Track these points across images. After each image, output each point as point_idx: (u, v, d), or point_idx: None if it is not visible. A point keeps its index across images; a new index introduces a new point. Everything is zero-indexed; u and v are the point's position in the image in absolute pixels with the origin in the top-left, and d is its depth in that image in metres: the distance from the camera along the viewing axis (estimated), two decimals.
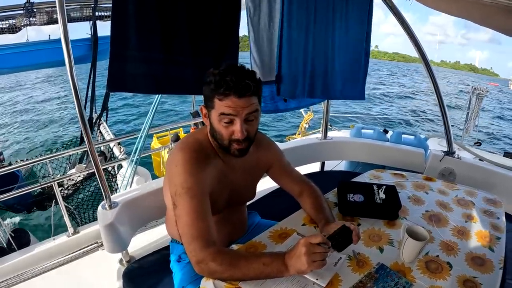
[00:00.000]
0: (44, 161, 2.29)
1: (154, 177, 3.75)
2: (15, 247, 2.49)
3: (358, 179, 1.85)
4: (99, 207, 1.72)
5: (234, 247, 1.25)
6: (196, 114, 4.64)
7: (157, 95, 2.27)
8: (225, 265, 1.02)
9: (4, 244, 2.72)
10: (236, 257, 1.05)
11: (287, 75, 2.03)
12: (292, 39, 1.96)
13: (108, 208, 1.70)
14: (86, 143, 1.55)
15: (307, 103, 2.74)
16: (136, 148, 2.28)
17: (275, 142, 1.56)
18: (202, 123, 4.64)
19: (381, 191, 1.54)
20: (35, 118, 15.48)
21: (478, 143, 4.24)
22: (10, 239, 2.57)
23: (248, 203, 1.57)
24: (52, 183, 2.13)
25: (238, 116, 1.13)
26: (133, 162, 2.28)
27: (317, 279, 1.05)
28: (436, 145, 3.43)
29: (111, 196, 1.74)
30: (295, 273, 1.02)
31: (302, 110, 6.56)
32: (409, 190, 1.72)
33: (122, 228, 1.70)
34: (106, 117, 4.18)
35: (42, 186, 2.23)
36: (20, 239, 2.72)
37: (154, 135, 5.21)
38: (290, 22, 1.92)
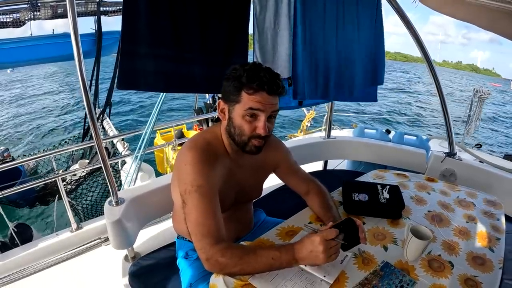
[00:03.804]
0: (47, 156, 2.28)
1: (157, 173, 3.76)
2: (18, 242, 2.50)
3: (361, 178, 1.88)
4: (106, 203, 1.71)
5: (243, 244, 1.27)
6: (199, 111, 4.64)
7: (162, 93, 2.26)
8: (235, 260, 1.04)
9: (7, 239, 2.73)
10: (245, 252, 1.07)
11: (301, 77, 2.03)
12: (306, 40, 1.96)
13: (115, 205, 1.69)
14: (94, 138, 1.54)
15: (310, 103, 2.76)
16: (141, 144, 2.29)
17: (282, 141, 1.58)
18: (206, 120, 4.68)
19: (385, 191, 1.57)
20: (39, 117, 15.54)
21: (479, 145, 4.27)
22: (13, 234, 2.57)
23: (253, 201, 1.59)
24: (56, 178, 2.13)
25: (264, 111, 1.15)
26: (137, 158, 2.28)
27: (324, 276, 1.08)
28: (437, 146, 3.45)
29: (118, 193, 1.73)
30: (307, 265, 1.07)
31: (304, 109, 6.56)
32: (411, 190, 1.74)
33: (129, 224, 1.70)
34: (109, 112, 4.18)
35: (45, 182, 2.24)
36: (23, 234, 2.74)
37: (158, 131, 5.18)
38: (304, 23, 1.92)
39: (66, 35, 3.46)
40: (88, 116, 1.47)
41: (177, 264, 1.49)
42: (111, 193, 1.67)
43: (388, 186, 1.61)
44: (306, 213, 1.49)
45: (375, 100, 2.52)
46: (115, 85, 1.65)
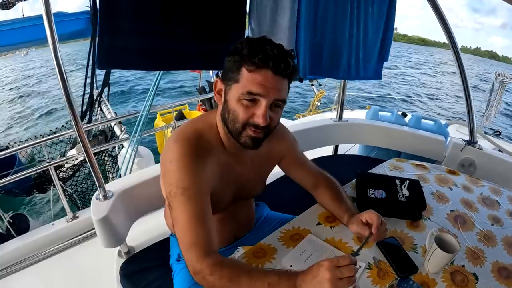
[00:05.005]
0: (39, 144, 2.18)
1: (157, 156, 3.64)
2: (14, 233, 2.43)
3: (377, 169, 1.72)
4: (93, 198, 1.54)
5: (240, 249, 1.12)
6: (202, 90, 4.45)
7: (159, 72, 2.12)
8: (224, 281, 0.89)
9: (3, 230, 2.67)
10: (237, 272, 0.91)
11: (303, 52, 1.86)
12: (310, 12, 1.79)
13: (102, 199, 1.52)
14: (74, 126, 1.33)
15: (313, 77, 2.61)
16: (137, 128, 2.17)
17: (289, 130, 1.38)
18: (209, 100, 4.49)
19: (404, 186, 1.43)
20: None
21: (498, 132, 4.05)
22: (8, 226, 2.52)
23: None
24: (49, 167, 2.04)
25: (266, 97, 0.94)
26: (134, 143, 2.16)
27: None
28: (455, 132, 3.26)
29: (106, 185, 1.57)
30: None
31: (314, 87, 6.38)
32: (432, 184, 1.60)
33: (118, 220, 1.54)
34: (108, 93, 4.02)
35: (38, 171, 2.16)
36: (19, 224, 2.70)
37: (158, 112, 5.05)
38: None
39: (59, 15, 3.29)
40: (65, 102, 1.25)
41: (170, 264, 1.38)
42: (97, 186, 1.50)
43: (407, 181, 1.46)
44: (313, 212, 1.34)
45: (380, 78, 2.37)
46: (95, 65, 1.47)
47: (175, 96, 15.30)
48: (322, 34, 1.93)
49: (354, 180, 1.56)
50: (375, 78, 2.37)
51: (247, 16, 1.81)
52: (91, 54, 3.72)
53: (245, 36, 1.67)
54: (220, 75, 1.10)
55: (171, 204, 0.99)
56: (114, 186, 1.58)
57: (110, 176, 3.50)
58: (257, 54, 0.91)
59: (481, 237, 1.25)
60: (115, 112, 3.69)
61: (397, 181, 1.47)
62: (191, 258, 0.93)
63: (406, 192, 1.39)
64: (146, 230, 1.81)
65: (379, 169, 1.72)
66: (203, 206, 0.98)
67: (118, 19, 1.36)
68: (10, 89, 18.80)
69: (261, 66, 0.92)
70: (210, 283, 0.91)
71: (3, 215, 2.52)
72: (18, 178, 2.06)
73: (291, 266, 1.04)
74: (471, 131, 2.36)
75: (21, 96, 16.75)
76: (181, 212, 0.96)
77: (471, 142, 2.36)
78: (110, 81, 3.95)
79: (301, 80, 2.10)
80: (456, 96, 18.15)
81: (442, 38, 2.21)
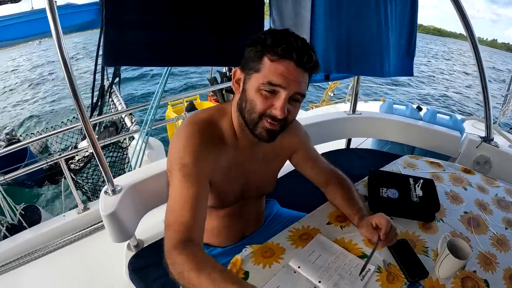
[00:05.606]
0: (49, 137, 2.20)
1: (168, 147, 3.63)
2: (25, 225, 2.47)
3: (390, 166, 1.68)
4: (102, 192, 1.53)
5: (248, 248, 1.10)
6: (214, 81, 4.38)
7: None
8: (176, 271, 0.84)
9: (15, 222, 2.71)
10: (188, 267, 0.83)
11: (326, 47, 1.79)
12: (327, 7, 1.72)
13: (111, 193, 1.50)
14: (80, 119, 1.30)
15: (337, 76, 2.51)
16: (147, 120, 2.16)
17: (301, 125, 1.35)
18: (220, 91, 4.44)
19: (418, 186, 1.39)
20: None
21: None
22: (20, 218, 2.55)
23: None
24: (59, 160, 2.04)
25: (286, 89, 0.92)
26: (145, 134, 2.15)
27: None
28: (471, 127, 3.16)
29: (115, 179, 1.55)
30: None
31: None
32: (446, 183, 1.56)
33: (127, 215, 1.53)
34: (119, 84, 3.98)
35: (49, 163, 2.17)
36: (31, 216, 2.72)
37: (169, 103, 5.02)
38: None
39: (69, 6, 3.26)
40: (71, 94, 1.23)
41: None
42: (106, 181, 1.48)
43: (421, 180, 1.42)
44: (324, 211, 1.31)
45: (412, 74, 2.26)
46: (102, 62, 1.39)
47: (185, 80, 15.30)
48: (348, 30, 1.86)
49: (366, 178, 1.53)
50: (406, 75, 2.27)
51: (269, 6, 1.77)
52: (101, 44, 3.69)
53: (265, 28, 1.62)
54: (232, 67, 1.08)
55: (170, 180, 0.98)
56: (123, 180, 1.57)
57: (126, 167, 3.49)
58: (281, 44, 0.90)
59: (494, 242, 1.22)
60: (126, 103, 3.66)
61: (411, 180, 1.43)
62: (166, 237, 0.90)
63: (419, 192, 1.35)
64: (155, 223, 1.79)
65: (392, 166, 1.68)
66: (197, 189, 0.95)
67: (124, 12, 1.31)
68: (26, 76, 19.01)
69: (284, 57, 0.90)
70: (172, 268, 0.86)
71: (15, 207, 2.54)
72: (30, 171, 2.08)
73: (298, 267, 1.03)
74: (488, 127, 2.29)
75: (37, 84, 16.95)
76: (174, 188, 0.95)
77: (487, 139, 2.29)
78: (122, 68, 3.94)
79: (327, 78, 2.03)
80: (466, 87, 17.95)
81: (458, 29, 2.13)
